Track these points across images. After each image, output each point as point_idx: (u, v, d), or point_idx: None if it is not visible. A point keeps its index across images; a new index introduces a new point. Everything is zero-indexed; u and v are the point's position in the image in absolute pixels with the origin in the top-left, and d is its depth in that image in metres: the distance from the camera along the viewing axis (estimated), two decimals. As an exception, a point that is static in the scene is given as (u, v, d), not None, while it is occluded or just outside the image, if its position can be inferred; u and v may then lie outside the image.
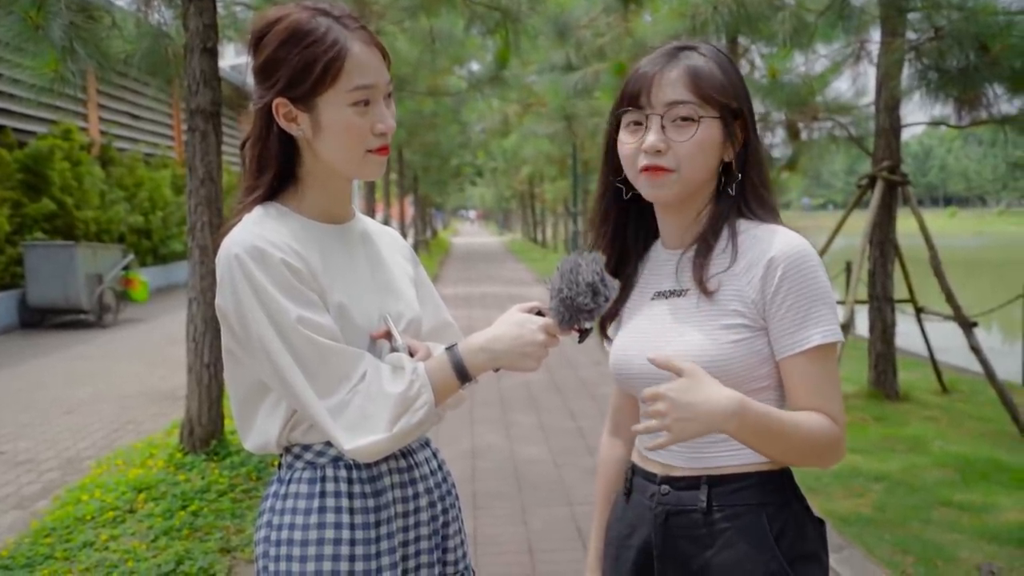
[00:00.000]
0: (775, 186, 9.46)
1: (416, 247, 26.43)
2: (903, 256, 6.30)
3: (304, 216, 1.39)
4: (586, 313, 1.29)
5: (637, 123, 1.32)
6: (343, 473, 1.37)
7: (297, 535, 1.35)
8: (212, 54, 4.52)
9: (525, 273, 20.39)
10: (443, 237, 45.16)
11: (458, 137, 22.52)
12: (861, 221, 6.23)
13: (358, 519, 1.36)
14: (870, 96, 6.96)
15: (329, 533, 1.35)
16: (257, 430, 1.40)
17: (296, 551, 1.34)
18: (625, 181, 1.38)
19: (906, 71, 5.64)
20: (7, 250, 10.70)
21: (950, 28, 5.02)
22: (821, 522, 1.36)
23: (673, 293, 1.35)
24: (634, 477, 1.42)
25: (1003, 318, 10.39)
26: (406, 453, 1.45)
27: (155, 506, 3.91)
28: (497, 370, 1.36)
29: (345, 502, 1.36)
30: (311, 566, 1.33)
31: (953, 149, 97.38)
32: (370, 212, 15.11)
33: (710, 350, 1.27)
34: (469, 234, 64.51)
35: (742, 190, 1.34)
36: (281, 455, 1.43)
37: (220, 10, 5.57)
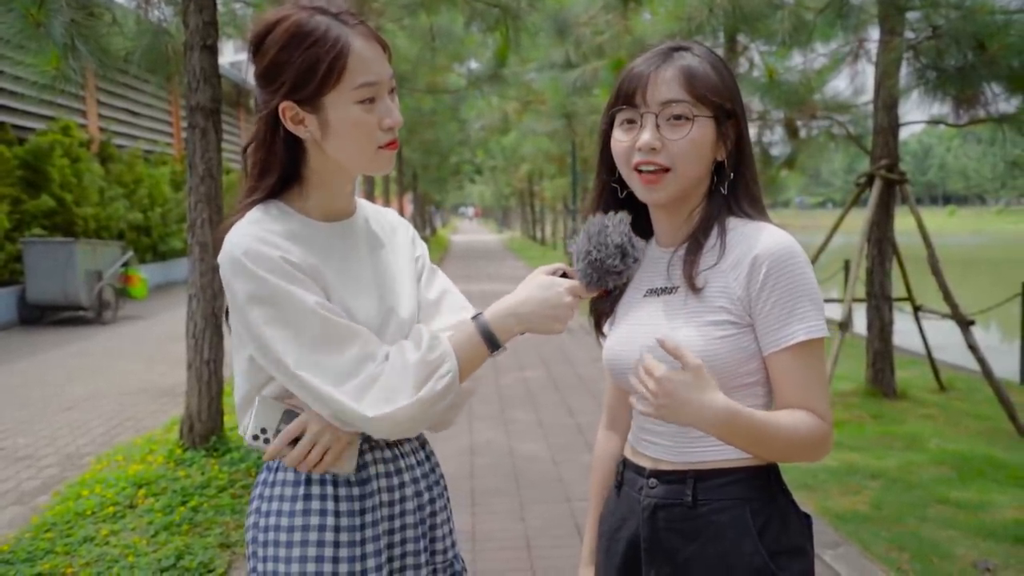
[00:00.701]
0: (774, 184, 9.49)
1: (415, 244, 26.42)
2: (901, 254, 6.32)
3: (306, 215, 1.39)
4: (615, 275, 1.31)
5: (631, 121, 1.34)
6: None
7: (284, 522, 1.37)
8: (212, 51, 4.53)
9: (524, 271, 20.40)
10: (442, 235, 45.15)
11: (457, 134, 22.55)
12: (860, 219, 6.25)
13: (343, 507, 1.37)
14: (868, 95, 6.98)
15: (314, 520, 1.36)
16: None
17: (283, 537, 1.36)
18: (620, 180, 1.40)
19: (904, 70, 5.66)
20: (6, 247, 10.71)
21: (948, 27, 5.05)
22: (807, 517, 1.38)
23: (665, 290, 1.37)
24: (625, 471, 1.45)
25: (1001, 316, 10.41)
26: (391, 444, 1.45)
27: (155, 501, 3.92)
28: (523, 333, 1.36)
29: (330, 490, 1.38)
30: (296, 551, 1.35)
31: (952, 148, 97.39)
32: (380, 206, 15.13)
33: (698, 346, 1.29)
34: (468, 232, 64.51)
35: (734, 189, 1.36)
36: None
37: (220, 7, 5.58)
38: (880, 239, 6.26)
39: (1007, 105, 5.71)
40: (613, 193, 1.44)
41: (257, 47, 1.32)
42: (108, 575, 3.23)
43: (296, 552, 1.35)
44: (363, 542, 1.37)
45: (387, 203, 23.38)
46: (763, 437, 1.25)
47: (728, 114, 1.33)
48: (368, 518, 1.39)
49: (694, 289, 1.31)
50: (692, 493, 1.32)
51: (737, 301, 1.29)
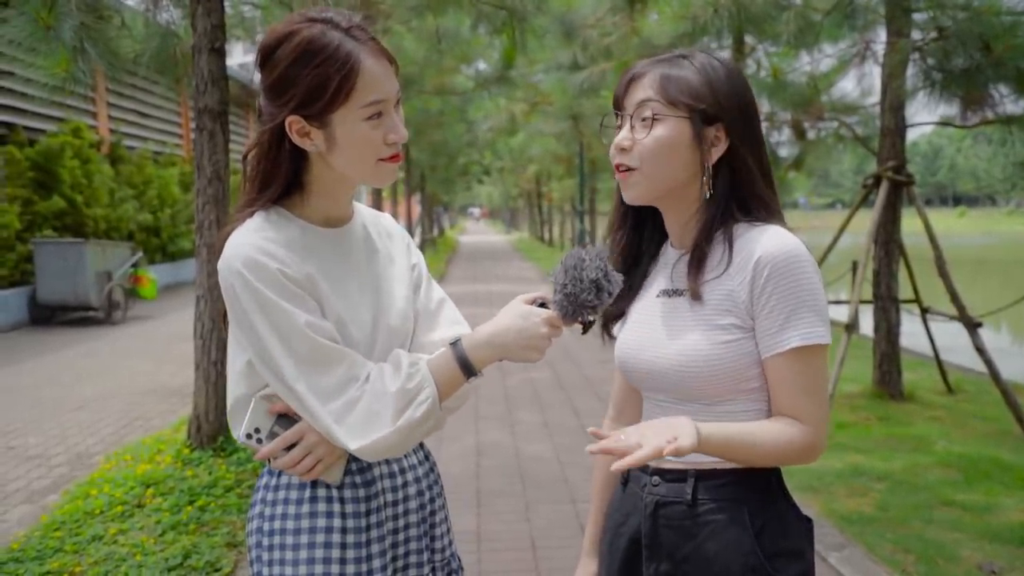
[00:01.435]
0: (781, 185, 9.44)
1: (423, 246, 26.48)
2: (908, 256, 6.30)
3: (305, 221, 1.40)
4: (589, 308, 1.31)
5: (620, 125, 1.37)
6: None
7: (289, 525, 1.38)
8: (220, 54, 4.56)
9: (532, 272, 20.40)
10: (450, 236, 45.20)
11: (465, 136, 22.54)
12: (868, 220, 6.23)
13: (348, 508, 1.39)
14: (876, 96, 6.97)
15: (321, 522, 1.37)
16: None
17: (289, 540, 1.37)
18: None
19: (910, 71, 5.64)
20: (18, 247, 10.79)
21: (955, 28, 5.04)
22: (808, 521, 1.38)
23: (674, 293, 1.38)
24: (630, 468, 1.46)
25: (1010, 318, 10.37)
26: None
27: (163, 501, 3.95)
28: (501, 360, 1.37)
29: (336, 491, 1.39)
30: (303, 552, 1.36)
31: (963, 148, 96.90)
32: (376, 210, 15.16)
33: (703, 350, 1.30)
34: (476, 232, 64.55)
35: (736, 195, 1.35)
36: None
37: (228, 10, 5.61)
38: (887, 241, 6.25)
39: (1015, 106, 5.70)
40: None
41: (266, 59, 1.31)
42: (116, 573, 3.26)
43: (303, 554, 1.36)
44: (368, 543, 1.39)
45: (395, 204, 23.43)
46: (739, 449, 1.26)
47: (708, 117, 1.32)
48: (373, 519, 1.40)
49: (695, 295, 1.32)
50: (692, 492, 1.33)
51: (742, 305, 1.29)
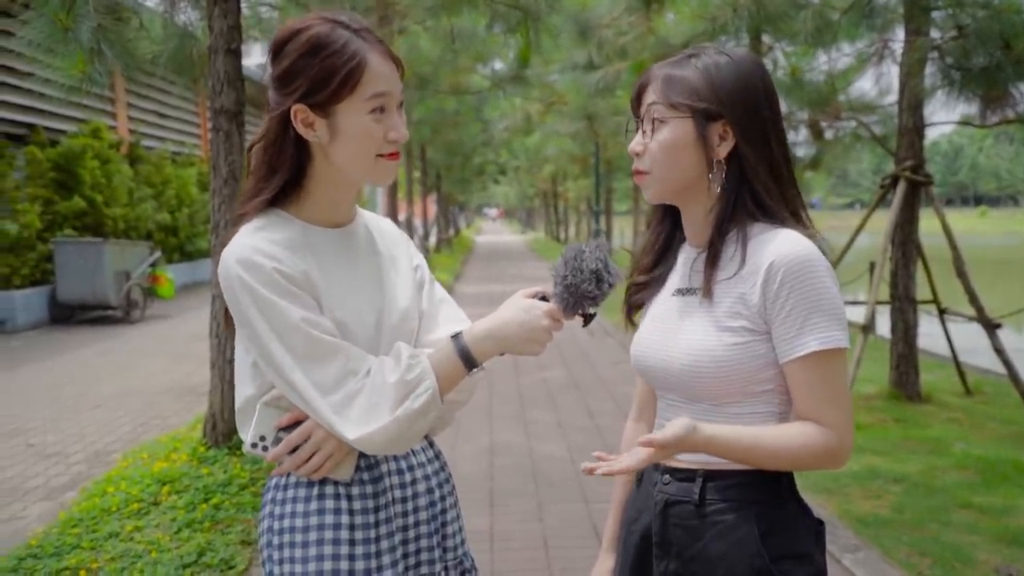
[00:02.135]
0: (801, 185, 9.46)
1: (439, 245, 26.54)
2: (926, 256, 6.25)
3: (305, 221, 1.42)
4: (589, 299, 1.32)
5: (638, 129, 1.40)
6: None
7: (299, 522, 1.39)
8: (236, 55, 4.59)
9: (548, 272, 20.36)
10: (466, 235, 45.26)
11: (480, 135, 22.59)
12: (887, 220, 6.18)
13: (357, 505, 1.40)
14: (894, 95, 6.91)
15: (329, 519, 1.38)
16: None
17: (299, 538, 1.38)
18: None
19: (929, 70, 5.59)
20: (38, 247, 10.91)
21: (974, 26, 4.99)
22: (819, 523, 1.38)
23: (688, 291, 1.39)
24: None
25: (1031, 319, 10.26)
26: None
27: (178, 499, 3.99)
28: (503, 354, 1.39)
29: (344, 489, 1.40)
30: (312, 550, 1.37)
31: (984, 148, 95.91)
32: (393, 210, 15.20)
33: (712, 350, 1.30)
34: (492, 232, 64.61)
35: (749, 193, 1.34)
36: None
37: (245, 10, 5.65)
38: (904, 241, 6.19)
39: (1035, 106, 5.63)
40: None
41: (277, 51, 1.36)
42: (132, 570, 3.29)
43: (312, 551, 1.37)
44: (378, 539, 1.40)
45: (411, 204, 23.47)
46: (755, 455, 1.26)
47: (710, 115, 1.31)
48: (382, 516, 1.41)
49: (708, 295, 1.33)
50: (700, 492, 1.34)
51: (753, 308, 1.29)
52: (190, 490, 4.07)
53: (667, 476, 1.39)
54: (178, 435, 5.15)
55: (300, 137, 1.37)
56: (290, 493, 1.41)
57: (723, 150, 1.33)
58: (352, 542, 1.38)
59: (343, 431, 1.30)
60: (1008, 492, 4.27)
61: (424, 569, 1.47)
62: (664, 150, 1.33)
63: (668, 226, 1.49)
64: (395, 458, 1.46)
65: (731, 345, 1.29)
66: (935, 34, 5.79)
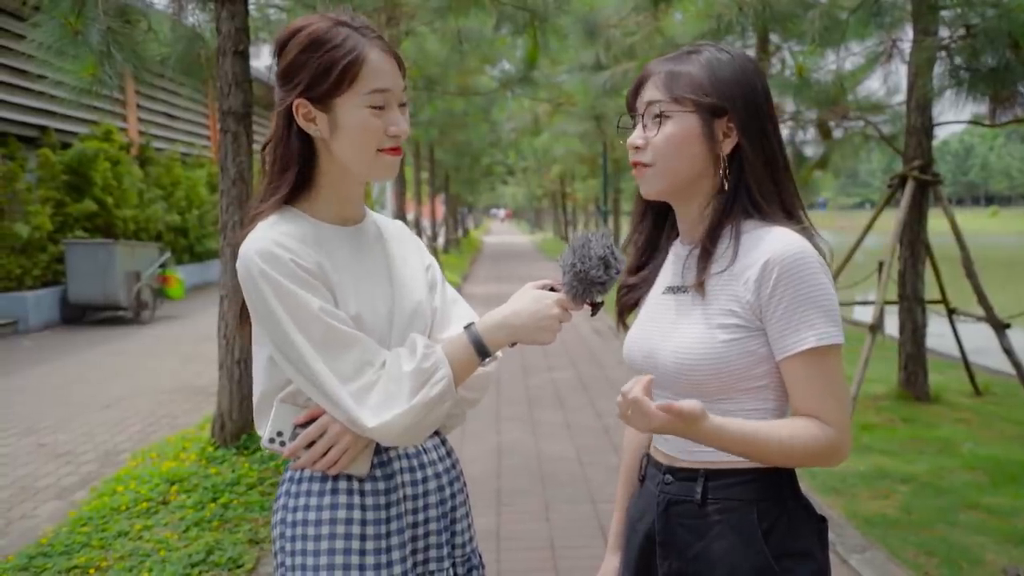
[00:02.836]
0: (807, 185, 9.35)
1: (447, 246, 26.56)
2: (935, 256, 6.22)
3: (317, 219, 1.45)
4: (599, 286, 1.34)
5: (635, 124, 1.40)
6: None
7: (311, 516, 1.41)
8: (244, 57, 4.62)
9: (557, 272, 20.34)
10: (474, 236, 45.28)
11: (488, 136, 22.58)
12: (895, 220, 6.16)
13: (368, 501, 1.41)
14: (902, 95, 6.89)
15: (341, 514, 1.40)
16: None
17: (311, 531, 1.40)
18: None
19: (938, 69, 5.57)
20: (49, 248, 10.99)
21: (983, 26, 4.96)
22: (822, 520, 1.38)
23: (679, 289, 1.39)
24: (648, 466, 1.48)
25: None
26: None
27: (187, 498, 4.01)
28: (514, 344, 1.41)
29: (356, 485, 1.42)
30: (324, 544, 1.39)
31: (995, 147, 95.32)
32: (401, 211, 15.23)
33: (704, 348, 1.30)
34: (500, 233, 64.62)
35: (746, 190, 1.35)
36: None
37: (253, 12, 5.68)
38: (913, 241, 6.17)
39: (1047, 105, 5.60)
40: None
41: (280, 49, 1.40)
42: (141, 569, 3.32)
43: (324, 545, 1.39)
44: (388, 535, 1.41)
45: (419, 204, 23.52)
46: (757, 449, 1.26)
47: (715, 111, 1.33)
48: (393, 512, 1.43)
49: (701, 292, 1.33)
50: (701, 491, 1.34)
51: (747, 305, 1.29)
52: (199, 489, 4.09)
53: (669, 476, 1.39)
54: (187, 435, 5.18)
55: (305, 132, 1.40)
56: (304, 487, 1.43)
57: (727, 146, 1.35)
58: (363, 537, 1.40)
59: (362, 420, 1.32)
60: (1016, 493, 4.26)
61: (432, 565, 1.48)
62: (669, 144, 1.34)
63: (650, 225, 1.51)
64: (407, 456, 1.48)
65: (725, 342, 1.29)
66: (944, 33, 5.77)
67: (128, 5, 4.68)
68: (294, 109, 1.38)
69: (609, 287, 1.35)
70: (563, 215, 41.71)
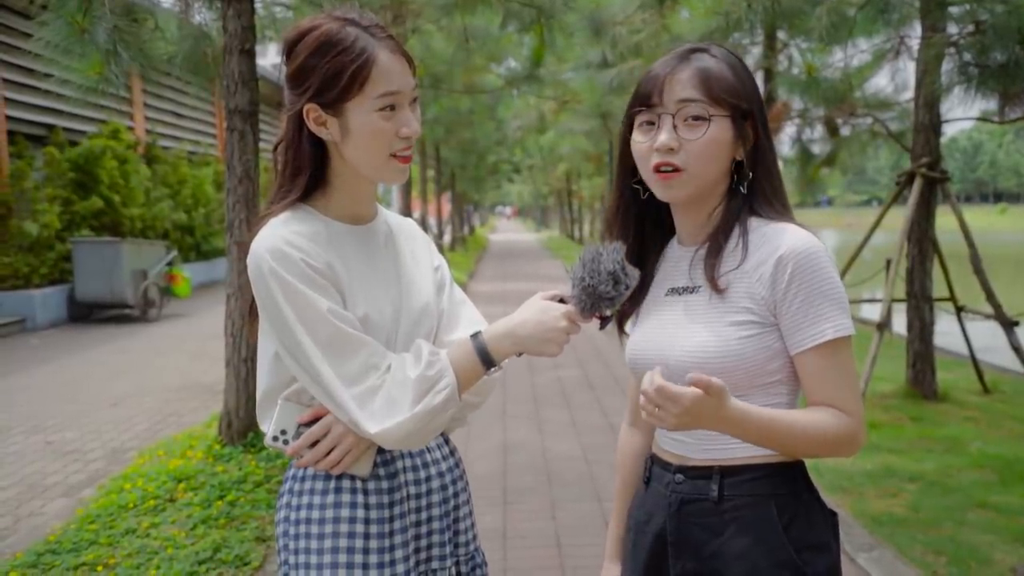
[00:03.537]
0: (814, 182, 9.33)
1: (453, 244, 26.56)
2: (943, 254, 6.20)
3: (330, 217, 1.45)
4: (607, 301, 1.32)
5: (650, 123, 1.35)
6: None
7: (315, 514, 1.41)
8: (250, 55, 4.62)
9: (562, 270, 20.37)
10: (480, 234, 45.28)
11: (494, 134, 22.59)
12: (903, 217, 6.14)
13: (372, 499, 1.42)
14: (910, 92, 6.86)
15: (344, 513, 1.40)
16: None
17: (314, 529, 1.40)
18: (641, 181, 1.41)
19: (946, 66, 5.54)
20: (57, 246, 11.03)
21: (992, 22, 4.93)
22: (832, 513, 1.39)
23: (686, 290, 1.39)
24: (653, 466, 1.47)
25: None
26: None
27: (194, 496, 4.02)
28: (520, 354, 1.40)
29: (360, 484, 1.42)
30: (327, 543, 1.39)
31: (1004, 144, 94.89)
32: (407, 209, 15.24)
33: (720, 346, 1.30)
34: (507, 231, 64.64)
35: (753, 188, 1.36)
36: None
37: (260, 11, 5.68)
38: (920, 238, 6.14)
39: (1055, 102, 5.57)
40: (635, 195, 1.45)
41: (289, 51, 1.38)
42: (148, 566, 3.32)
43: (327, 544, 1.39)
44: (391, 534, 1.41)
45: (425, 202, 23.52)
46: (778, 435, 1.26)
47: (745, 114, 1.34)
48: (396, 511, 1.43)
49: (717, 290, 1.33)
50: (718, 489, 1.34)
51: (761, 301, 1.30)
52: (205, 487, 4.10)
53: (680, 475, 1.39)
54: (194, 433, 5.19)
55: (316, 135, 1.39)
56: (307, 486, 1.43)
57: (746, 148, 1.35)
58: (366, 535, 1.40)
59: (364, 424, 1.32)
60: (1026, 492, 4.24)
61: (436, 563, 1.48)
62: (709, 148, 1.31)
63: (631, 228, 1.47)
64: (411, 455, 1.48)
65: (741, 339, 1.30)
66: (952, 30, 5.73)
67: (135, 4, 4.70)
68: (305, 114, 1.37)
69: (618, 303, 1.34)
70: (569, 213, 41.68)
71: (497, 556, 3.54)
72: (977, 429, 5.46)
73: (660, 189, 1.36)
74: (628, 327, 1.52)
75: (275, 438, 1.41)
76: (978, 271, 5.78)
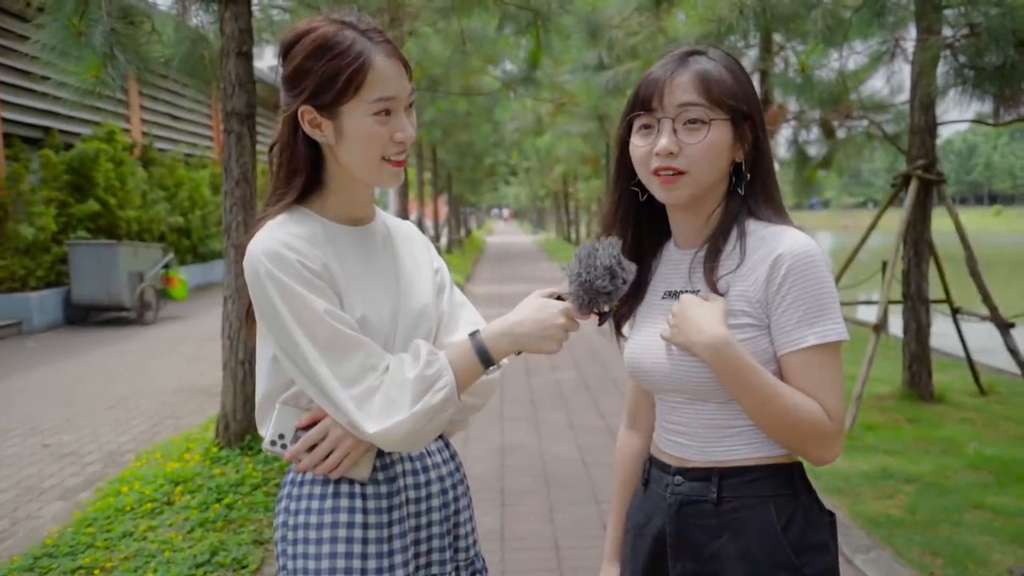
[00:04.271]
0: (810, 184, 9.34)
1: (450, 246, 26.56)
2: (939, 256, 6.21)
3: (326, 219, 1.44)
4: (605, 296, 1.33)
5: (648, 126, 1.35)
6: None
7: (313, 519, 1.40)
8: (247, 58, 4.62)
9: (559, 272, 20.32)
10: (477, 236, 45.27)
11: (491, 136, 22.62)
12: (899, 219, 6.15)
13: (371, 504, 1.41)
14: (906, 94, 6.87)
15: (343, 517, 1.40)
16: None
17: (312, 534, 1.40)
18: (639, 184, 1.42)
19: (941, 68, 5.56)
20: (53, 249, 11.01)
21: (987, 24, 4.95)
22: (830, 514, 1.39)
23: (684, 293, 1.39)
24: (651, 468, 1.47)
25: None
26: None
27: (191, 498, 4.01)
28: (519, 353, 1.40)
29: (359, 488, 1.41)
30: (326, 548, 1.39)
31: (999, 146, 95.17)
32: (404, 211, 15.23)
33: None
34: (503, 233, 64.63)
35: (752, 191, 1.37)
36: None
37: (257, 13, 5.68)
38: (917, 240, 6.16)
39: (1050, 104, 5.58)
40: (633, 197, 1.45)
41: (286, 53, 1.38)
42: (146, 569, 3.32)
43: (326, 549, 1.38)
44: (390, 539, 1.41)
45: (422, 205, 23.53)
46: (769, 393, 1.25)
47: (744, 116, 1.34)
48: (395, 515, 1.42)
49: (716, 293, 1.33)
50: (717, 490, 1.34)
51: (756, 303, 1.30)
52: (203, 490, 4.10)
53: (679, 477, 1.39)
54: (191, 435, 5.18)
55: (312, 137, 1.39)
56: (305, 490, 1.43)
57: (744, 150, 1.36)
58: (365, 541, 1.39)
59: (362, 425, 1.31)
60: (1022, 492, 4.24)
61: (435, 569, 1.48)
62: (710, 151, 1.32)
63: (629, 231, 1.47)
64: (410, 458, 1.47)
65: (738, 341, 1.29)
66: (947, 32, 5.75)
67: (132, 6, 4.69)
68: (300, 116, 1.37)
69: (616, 297, 1.34)
70: (566, 215, 41.70)
71: (495, 558, 3.54)
72: (973, 430, 5.47)
73: (661, 192, 1.36)
74: (625, 330, 1.52)
75: (273, 442, 1.41)
76: (974, 273, 5.79)
